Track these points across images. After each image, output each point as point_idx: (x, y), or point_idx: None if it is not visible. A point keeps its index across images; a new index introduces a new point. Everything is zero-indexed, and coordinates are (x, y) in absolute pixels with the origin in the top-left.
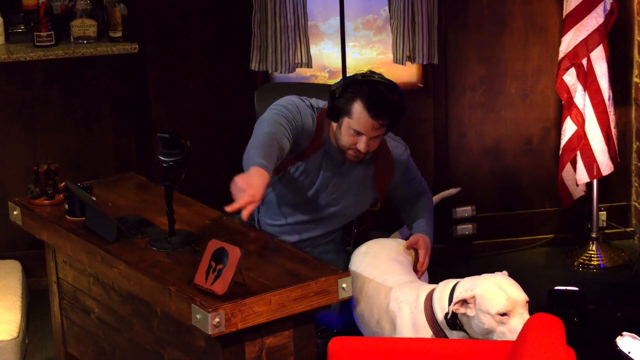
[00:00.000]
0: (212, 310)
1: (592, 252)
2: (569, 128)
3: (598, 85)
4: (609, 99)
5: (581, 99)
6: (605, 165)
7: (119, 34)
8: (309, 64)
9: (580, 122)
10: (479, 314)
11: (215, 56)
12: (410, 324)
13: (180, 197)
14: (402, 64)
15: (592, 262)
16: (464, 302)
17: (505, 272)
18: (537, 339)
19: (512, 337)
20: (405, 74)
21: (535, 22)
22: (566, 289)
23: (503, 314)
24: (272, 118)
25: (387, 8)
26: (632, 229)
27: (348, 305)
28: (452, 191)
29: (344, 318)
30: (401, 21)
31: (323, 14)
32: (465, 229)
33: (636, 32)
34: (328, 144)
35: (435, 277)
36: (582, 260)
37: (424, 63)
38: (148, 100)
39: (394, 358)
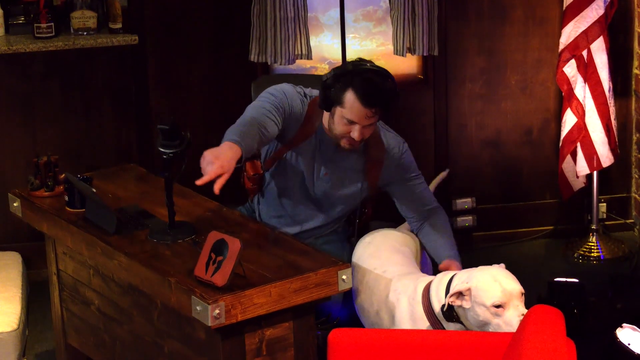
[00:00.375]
0: (212, 302)
1: (592, 244)
2: (569, 120)
3: (598, 76)
4: (609, 91)
5: (581, 91)
6: (606, 157)
7: (119, 26)
8: (308, 56)
9: (580, 113)
10: (474, 306)
11: (215, 48)
12: (408, 315)
13: (180, 189)
14: (403, 55)
15: (592, 254)
16: (459, 294)
17: (502, 265)
18: (537, 331)
19: (507, 329)
20: (406, 65)
21: (536, 14)
22: (566, 281)
23: (498, 306)
24: (255, 104)
25: None
26: (632, 220)
27: (351, 296)
28: (443, 174)
29: (346, 309)
30: (401, 13)
31: (323, 5)
32: (465, 220)
33: (636, 23)
34: (321, 132)
35: (436, 269)
36: (582, 252)
37: (424, 54)
38: (148, 92)
39: (395, 349)
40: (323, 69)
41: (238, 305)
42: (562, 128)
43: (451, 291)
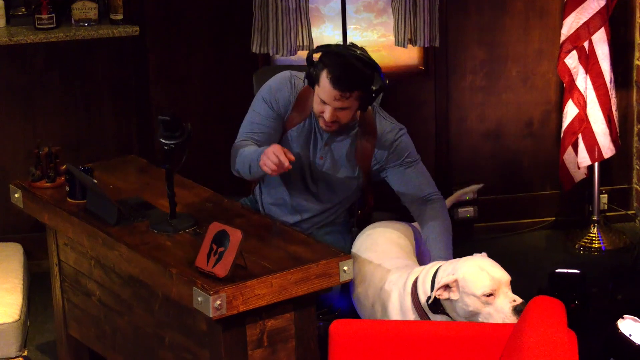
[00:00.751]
0: (213, 293)
1: (593, 235)
2: (570, 111)
3: (599, 68)
4: (610, 82)
5: (583, 82)
6: (607, 148)
7: (120, 17)
8: (310, 47)
9: (581, 104)
10: (463, 297)
11: (216, 39)
12: (398, 307)
13: (181, 180)
14: (404, 46)
15: (593, 245)
16: (446, 287)
17: (484, 253)
18: (538, 322)
19: (499, 316)
20: (407, 56)
21: (537, 5)
22: (567, 272)
23: (489, 295)
24: (244, 136)
25: None
26: (633, 211)
27: (348, 287)
28: (474, 187)
29: (347, 300)
30: (402, 4)
31: None
32: (467, 211)
33: (637, 14)
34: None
35: None
36: (583, 243)
37: (425, 46)
38: (149, 83)
39: (397, 340)
40: None
41: (239, 296)
42: (563, 119)
43: (437, 285)
